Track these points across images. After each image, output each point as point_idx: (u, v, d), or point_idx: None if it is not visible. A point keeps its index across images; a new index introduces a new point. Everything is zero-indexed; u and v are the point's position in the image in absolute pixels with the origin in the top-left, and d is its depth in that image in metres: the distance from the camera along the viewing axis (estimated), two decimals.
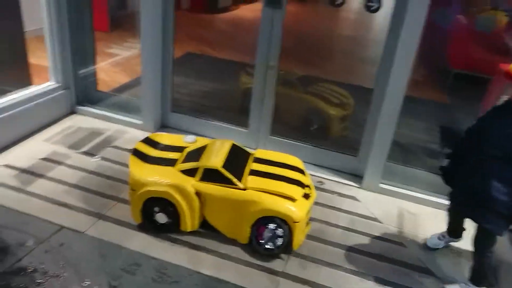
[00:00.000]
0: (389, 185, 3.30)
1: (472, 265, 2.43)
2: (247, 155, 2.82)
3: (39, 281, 2.23)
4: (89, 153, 3.41)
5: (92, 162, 3.29)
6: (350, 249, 2.71)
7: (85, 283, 2.25)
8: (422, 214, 3.10)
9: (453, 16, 4.53)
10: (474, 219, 2.27)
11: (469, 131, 2.34)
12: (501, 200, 2.09)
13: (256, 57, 3.36)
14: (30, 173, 3.08)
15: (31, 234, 2.53)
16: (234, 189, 2.52)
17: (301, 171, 2.78)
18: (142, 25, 3.43)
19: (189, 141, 2.92)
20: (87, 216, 2.73)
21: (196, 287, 2.31)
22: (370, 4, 2.98)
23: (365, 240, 2.81)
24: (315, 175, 3.39)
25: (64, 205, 2.81)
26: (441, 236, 2.74)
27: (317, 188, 3.25)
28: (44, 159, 3.26)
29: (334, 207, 3.10)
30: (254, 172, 2.66)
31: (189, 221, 2.59)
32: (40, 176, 3.06)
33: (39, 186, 2.96)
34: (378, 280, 2.49)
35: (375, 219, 3.01)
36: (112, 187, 3.03)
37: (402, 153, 3.64)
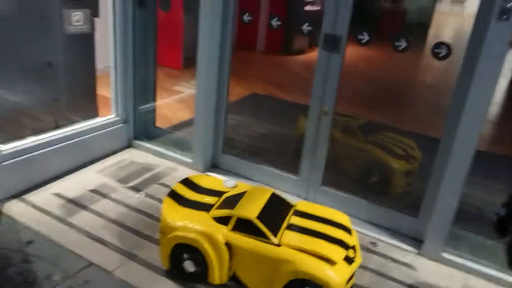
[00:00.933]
0: (454, 254, 2.85)
1: None
2: (287, 206, 2.59)
3: None
4: (136, 188, 3.39)
5: (135, 198, 3.26)
6: None
7: None
8: None
9: None
10: None
11: None
12: None
13: (310, 101, 3.18)
14: (76, 203, 3.11)
15: (61, 267, 2.49)
16: (267, 244, 2.30)
17: (347, 230, 2.48)
18: (199, 64, 3.44)
19: (229, 186, 2.76)
20: (118, 254, 2.65)
21: None
22: (438, 50, 2.69)
23: None
24: (367, 235, 3.04)
25: (99, 240, 2.76)
26: None
27: (368, 250, 2.91)
28: (92, 190, 3.29)
29: (386, 274, 2.72)
30: (292, 227, 2.42)
31: (217, 273, 2.39)
32: (84, 207, 3.07)
33: (81, 218, 2.96)
34: None
35: None
36: (149, 225, 2.95)
37: (473, 219, 3.17)
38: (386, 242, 3.02)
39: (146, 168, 3.71)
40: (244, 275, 2.41)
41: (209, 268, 2.39)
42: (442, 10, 8.81)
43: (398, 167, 3.59)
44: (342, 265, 2.24)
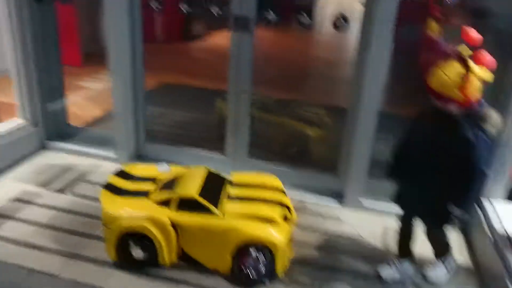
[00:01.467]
0: (371, 201, 3.25)
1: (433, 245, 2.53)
2: (223, 180, 2.74)
3: None
4: (61, 190, 3.28)
5: (63, 200, 3.16)
6: (336, 270, 2.63)
7: None
8: None
9: (419, 30, 4.60)
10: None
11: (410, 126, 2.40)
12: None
13: (229, 82, 3.33)
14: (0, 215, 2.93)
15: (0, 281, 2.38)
16: (211, 218, 2.43)
17: (281, 191, 2.71)
18: (111, 58, 3.39)
19: (164, 170, 2.83)
20: (59, 256, 2.59)
21: None
22: (337, 23, 3.00)
23: (350, 260, 2.73)
24: (296, 198, 3.32)
25: (35, 247, 2.66)
26: (392, 262, 2.65)
27: (298, 210, 3.18)
28: (15, 199, 3.12)
29: (318, 228, 3.02)
30: (232, 198, 2.58)
31: (167, 255, 2.47)
32: (10, 217, 2.91)
33: (9, 228, 2.81)
34: None
35: (359, 237, 2.95)
36: (86, 224, 2.90)
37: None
38: (314, 202, 3.32)
39: (67, 169, 3.58)
40: (194, 251, 2.52)
41: (158, 252, 2.46)
42: None
43: (312, 134, 3.92)
44: (283, 225, 2.47)
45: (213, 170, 2.78)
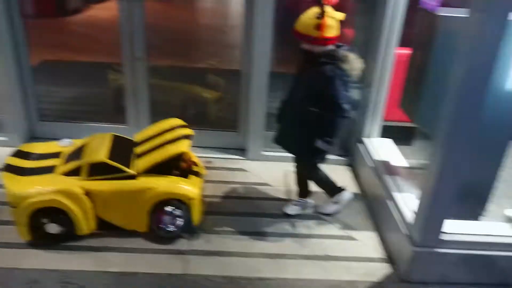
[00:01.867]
0: (271, 152, 3.55)
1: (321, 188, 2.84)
2: (130, 142, 2.79)
3: None
4: None
5: None
6: (248, 214, 2.90)
7: None
8: None
9: None
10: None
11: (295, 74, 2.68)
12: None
13: (122, 50, 3.32)
14: None
15: None
16: (125, 180, 2.50)
17: (182, 126, 2.83)
18: None
19: (66, 145, 2.79)
20: None
21: (106, 286, 2.26)
22: None
23: (259, 203, 3.02)
24: (202, 156, 3.49)
25: None
26: (296, 201, 2.99)
27: (207, 167, 3.37)
28: None
29: (226, 181, 3.25)
30: (140, 155, 2.65)
31: (85, 224, 2.50)
32: None
33: None
34: (271, 234, 2.72)
35: (265, 184, 3.25)
36: None
37: None
38: (219, 158, 3.54)
39: None
40: (111, 216, 2.57)
41: (75, 223, 2.48)
42: None
43: (208, 96, 4.08)
44: (194, 179, 2.64)
45: (119, 134, 2.81)
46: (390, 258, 2.57)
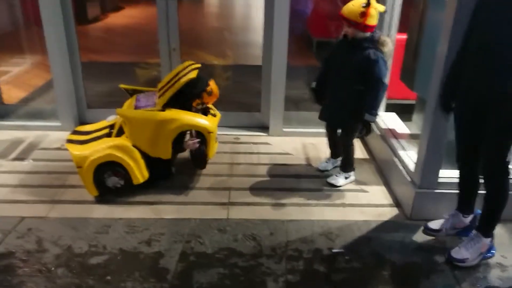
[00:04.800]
0: (290, 128, 4.08)
1: (342, 158, 3.34)
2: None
3: (25, 258, 2.48)
4: (19, 158, 3.56)
5: (25, 165, 3.46)
6: (275, 175, 3.41)
7: (66, 247, 2.56)
8: (319, 143, 3.92)
9: None
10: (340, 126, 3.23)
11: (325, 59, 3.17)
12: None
13: (159, 42, 3.86)
14: None
15: None
16: (153, 112, 2.98)
17: (193, 64, 3.18)
18: (46, 37, 3.74)
19: (112, 119, 3.30)
20: (42, 204, 2.96)
21: (165, 229, 2.76)
22: None
23: (283, 168, 3.53)
24: (231, 134, 4.01)
25: (15, 201, 2.99)
26: (327, 160, 3.54)
27: (235, 143, 3.90)
28: None
29: (253, 152, 3.77)
30: (161, 94, 3.06)
31: (138, 173, 2.97)
32: None
33: None
34: (296, 189, 3.23)
35: (286, 153, 3.76)
36: (55, 179, 3.26)
37: (294, 104, 4.46)
38: (245, 135, 4.06)
39: (17, 142, 3.82)
40: (141, 143, 3.00)
41: (130, 172, 2.96)
42: None
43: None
44: (210, 117, 3.14)
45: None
46: (397, 203, 3.06)
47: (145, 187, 3.08)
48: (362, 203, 3.07)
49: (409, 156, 3.09)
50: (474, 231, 2.51)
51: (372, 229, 2.80)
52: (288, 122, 4.09)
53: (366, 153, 3.83)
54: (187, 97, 3.05)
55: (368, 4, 2.78)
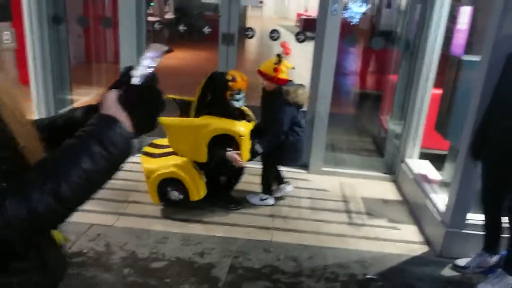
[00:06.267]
0: (329, 168, 4.42)
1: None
2: None
3: (96, 257, 2.87)
4: None
5: None
6: (313, 208, 3.73)
7: (131, 252, 2.94)
8: (357, 184, 4.24)
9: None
10: None
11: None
12: None
13: None
14: None
15: (67, 232, 3.12)
16: (190, 119, 3.35)
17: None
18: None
19: None
20: (108, 215, 3.37)
21: (216, 245, 3.11)
22: (273, 35, 4.24)
23: (321, 202, 3.85)
24: None
25: (87, 211, 3.39)
26: None
27: None
28: None
29: (295, 186, 4.11)
30: None
31: (195, 191, 3.35)
32: None
33: None
34: (334, 222, 3.52)
35: (324, 190, 4.08)
36: (117, 195, 3.66)
37: (335, 146, 4.83)
38: (288, 171, 4.41)
39: None
40: (180, 147, 3.38)
41: (188, 190, 3.35)
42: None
43: None
44: (244, 123, 3.41)
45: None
46: (427, 241, 3.31)
47: (201, 205, 3.48)
48: (395, 239, 3.34)
49: (440, 198, 3.37)
50: (500, 269, 2.74)
51: (404, 262, 3.06)
52: (327, 161, 4.45)
53: (399, 195, 4.11)
54: (215, 94, 3.32)
55: (279, 62, 3.35)
